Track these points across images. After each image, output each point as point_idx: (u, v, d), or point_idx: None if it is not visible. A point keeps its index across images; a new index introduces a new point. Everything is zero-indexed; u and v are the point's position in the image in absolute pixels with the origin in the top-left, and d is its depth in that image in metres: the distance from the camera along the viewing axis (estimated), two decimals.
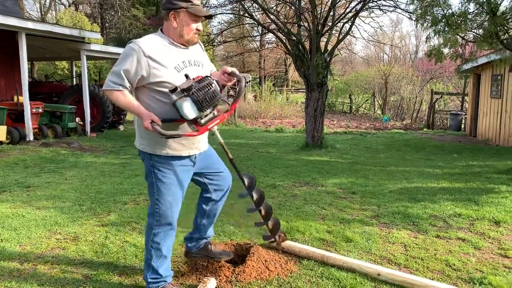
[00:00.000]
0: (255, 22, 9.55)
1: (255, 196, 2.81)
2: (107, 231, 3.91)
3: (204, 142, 2.72)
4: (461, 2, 5.74)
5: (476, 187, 5.81)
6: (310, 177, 6.54)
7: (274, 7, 9.87)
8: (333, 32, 9.85)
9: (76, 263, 3.22)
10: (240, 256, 3.26)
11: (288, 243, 3.51)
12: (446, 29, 5.67)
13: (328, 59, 9.47)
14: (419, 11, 5.85)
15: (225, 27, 13.99)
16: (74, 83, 14.13)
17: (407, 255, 3.50)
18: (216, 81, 2.39)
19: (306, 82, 9.52)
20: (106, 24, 41.41)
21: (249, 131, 14.63)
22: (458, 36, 6.03)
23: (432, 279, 3.01)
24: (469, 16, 5.82)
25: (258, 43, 35.37)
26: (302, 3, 9.53)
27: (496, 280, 2.97)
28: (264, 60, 42.83)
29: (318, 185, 6.01)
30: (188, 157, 2.59)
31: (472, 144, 11.34)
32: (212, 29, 28.35)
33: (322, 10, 9.56)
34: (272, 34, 9.68)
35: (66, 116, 10.96)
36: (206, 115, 2.40)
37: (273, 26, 9.61)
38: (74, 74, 15.26)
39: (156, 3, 37.18)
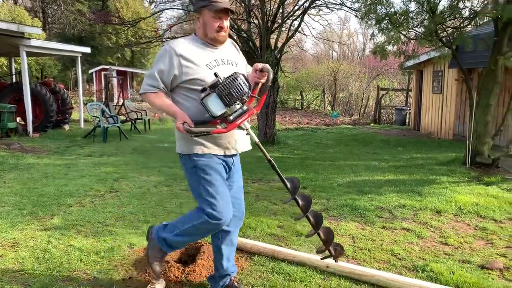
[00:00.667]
0: None
1: (300, 201, 2.50)
2: (49, 235, 3.72)
3: (243, 143, 2.58)
4: (403, 1, 6.00)
5: (419, 178, 6.07)
6: (262, 173, 6.57)
7: None
8: (283, 29, 9.91)
9: (15, 271, 3.04)
10: (190, 256, 3.21)
11: (239, 240, 3.50)
12: (389, 27, 5.89)
13: (278, 56, 9.54)
14: (364, 9, 6.03)
15: (174, 23, 13.66)
16: (14, 80, 13.36)
17: (355, 247, 3.59)
18: (243, 75, 2.29)
19: None
20: (49, 19, 39.59)
21: None
22: (401, 34, 6.28)
23: (379, 269, 3.11)
24: (411, 15, 6.08)
25: None
26: (252, 0, 9.52)
27: (437, 267, 3.11)
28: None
29: (270, 181, 6.05)
30: (224, 157, 2.51)
31: (416, 137, 11.86)
32: (161, 25, 27.84)
33: (272, 7, 9.59)
34: None
35: (5, 116, 10.35)
36: (235, 111, 2.28)
37: None
38: (13, 71, 14.43)
39: None
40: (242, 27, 9.38)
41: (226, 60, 2.48)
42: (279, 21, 9.53)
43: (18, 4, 36.72)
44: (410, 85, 16.83)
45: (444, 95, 11.50)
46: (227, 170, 2.57)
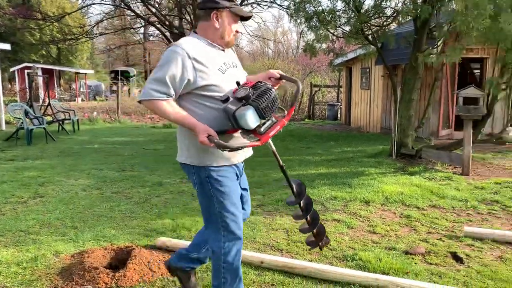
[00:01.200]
0: (134, 14, 9.15)
1: (303, 203, 2.44)
2: None
3: (248, 148, 2.35)
4: (330, 0, 6.18)
5: (350, 171, 6.32)
6: None
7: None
8: None
9: None
10: (121, 261, 3.10)
11: (174, 241, 3.44)
12: (318, 25, 6.07)
13: None
14: (293, 7, 6.14)
15: (103, 18, 13.13)
16: None
17: (288, 240, 3.66)
18: (271, 86, 2.16)
19: None
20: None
21: (134, 128, 14.06)
22: (329, 32, 6.49)
23: (311, 261, 3.19)
24: (338, 13, 6.30)
25: (142, 36, 34.02)
26: None
27: (365, 255, 3.25)
28: (149, 53, 41.46)
29: None
30: (236, 164, 2.34)
31: (347, 131, 12.33)
32: (90, 20, 26.60)
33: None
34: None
35: None
36: (264, 123, 2.14)
37: (154, 19, 9.30)
38: None
39: None
40: (173, 23, 9.20)
41: (231, 63, 2.31)
42: None
43: None
44: (341, 82, 17.48)
45: (372, 90, 12.06)
46: (238, 177, 2.40)
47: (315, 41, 6.39)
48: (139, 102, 2.17)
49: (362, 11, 6.24)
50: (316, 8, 5.89)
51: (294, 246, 3.53)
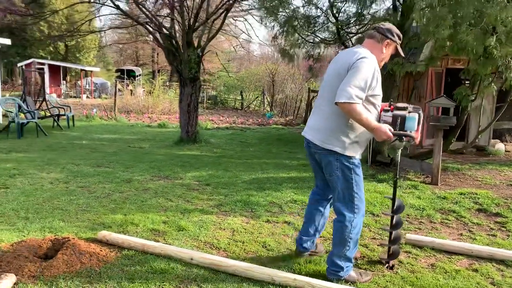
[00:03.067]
0: (122, 13, 9.29)
1: (394, 221, 3.17)
2: None
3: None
4: (303, 6, 6.20)
5: None
6: (172, 171, 6.58)
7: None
8: (212, 28, 9.95)
9: None
10: (56, 251, 3.18)
11: (114, 236, 3.52)
12: (290, 30, 6.12)
13: (200, 54, 9.58)
14: (264, 14, 6.18)
15: (93, 17, 13.32)
16: None
17: (231, 240, 3.72)
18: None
19: (179, 76, 9.54)
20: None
21: (129, 126, 14.20)
22: (302, 38, 6.54)
23: (244, 260, 3.24)
24: (311, 20, 6.34)
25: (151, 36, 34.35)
26: None
27: (296, 258, 3.30)
28: (158, 53, 41.77)
29: (176, 178, 6.07)
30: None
31: None
32: (99, 21, 26.89)
33: (193, 4, 9.61)
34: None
35: None
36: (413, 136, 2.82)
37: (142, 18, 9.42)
38: None
39: None
40: (164, 24, 9.31)
41: None
42: (202, 19, 9.57)
43: None
44: None
45: None
46: None
47: (288, 46, 6.45)
48: (337, 103, 2.68)
49: (339, 17, 6.29)
50: (288, 14, 5.95)
51: (234, 246, 3.58)
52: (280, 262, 3.26)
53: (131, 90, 26.68)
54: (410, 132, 2.82)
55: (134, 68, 34.30)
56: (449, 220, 4.46)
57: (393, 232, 3.24)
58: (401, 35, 3.00)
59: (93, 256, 3.13)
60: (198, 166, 7.02)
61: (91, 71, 31.45)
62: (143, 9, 9.14)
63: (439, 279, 3.05)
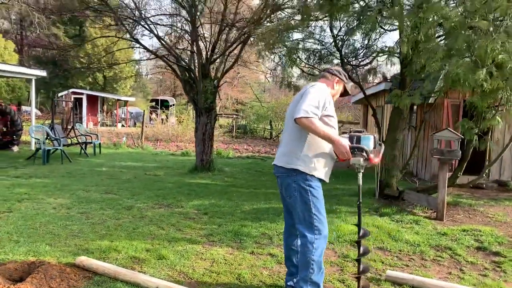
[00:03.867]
0: (142, 47, 9.72)
1: (361, 249, 3.21)
2: None
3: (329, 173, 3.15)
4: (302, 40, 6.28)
5: None
6: (176, 199, 6.67)
7: (165, 35, 10.10)
8: (225, 60, 10.22)
9: None
10: (29, 274, 3.28)
11: (91, 261, 3.60)
12: (288, 62, 6.20)
13: (217, 85, 9.82)
14: (263, 51, 6.26)
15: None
16: None
17: (207, 270, 3.71)
18: None
19: (195, 107, 9.78)
20: (25, 41, 39.67)
21: (153, 154, 14.55)
22: (302, 70, 6.60)
23: None
24: (308, 53, 6.39)
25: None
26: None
27: None
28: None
29: (177, 207, 6.15)
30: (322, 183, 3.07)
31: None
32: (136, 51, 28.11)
33: (211, 37, 9.93)
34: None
35: None
36: (370, 152, 2.97)
37: (164, 52, 9.80)
38: None
39: (80, 22, 36.31)
40: (181, 55, 9.66)
41: None
42: (219, 52, 9.85)
43: None
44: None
45: (384, 129, 11.87)
46: None
47: (285, 77, 6.52)
48: (295, 120, 2.83)
49: (342, 51, 6.32)
50: (281, 48, 6.03)
51: (207, 277, 3.57)
52: None
53: (162, 119, 27.50)
54: (361, 151, 2.96)
55: (168, 98, 35.36)
56: (442, 258, 4.27)
57: (361, 263, 3.17)
58: (347, 76, 3.38)
59: (64, 281, 3.21)
60: (203, 195, 7.08)
61: (127, 101, 32.68)
62: (163, 42, 9.54)
63: None
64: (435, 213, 5.88)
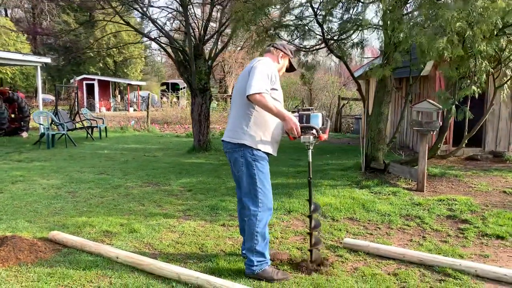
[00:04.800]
0: (134, 30, 9.80)
1: (313, 223, 3.30)
2: None
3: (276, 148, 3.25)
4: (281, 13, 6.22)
5: (304, 182, 6.33)
6: (165, 177, 6.86)
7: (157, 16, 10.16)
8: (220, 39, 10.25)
9: None
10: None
11: (62, 235, 3.80)
12: (267, 38, 6.20)
13: (211, 65, 9.89)
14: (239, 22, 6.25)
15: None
16: None
17: (173, 242, 3.88)
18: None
19: (190, 87, 9.89)
20: (39, 30, 40.23)
21: (158, 137, 14.80)
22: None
23: (169, 261, 3.39)
24: (292, 28, 6.37)
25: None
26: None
27: (222, 260, 3.40)
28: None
29: (164, 185, 6.33)
30: (269, 156, 3.17)
31: (356, 145, 12.11)
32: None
33: (203, 17, 9.96)
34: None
35: None
36: (321, 130, 3.09)
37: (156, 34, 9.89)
38: None
39: (89, 8, 36.50)
40: (174, 36, 9.73)
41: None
42: (212, 32, 9.89)
43: (7, 15, 37.52)
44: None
45: (397, 105, 11.80)
46: None
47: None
48: (248, 97, 2.87)
49: (324, 25, 6.29)
50: (263, 24, 6.01)
51: (171, 248, 3.74)
52: (203, 262, 3.38)
53: (172, 102, 27.74)
54: (310, 129, 3.07)
55: (178, 81, 35.49)
56: (409, 226, 4.34)
57: (313, 235, 3.28)
58: (293, 51, 3.48)
59: (33, 253, 3.42)
60: (194, 173, 7.25)
61: (139, 86, 33.03)
62: (158, 25, 9.62)
63: (349, 282, 3.03)
64: (417, 184, 5.92)
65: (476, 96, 5.24)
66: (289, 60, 3.38)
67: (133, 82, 31.79)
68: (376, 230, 4.27)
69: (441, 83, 8.48)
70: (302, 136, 3.05)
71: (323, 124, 3.16)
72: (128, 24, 9.34)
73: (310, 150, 3.20)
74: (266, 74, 2.95)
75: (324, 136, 3.12)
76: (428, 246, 3.77)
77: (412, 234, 4.15)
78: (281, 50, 3.31)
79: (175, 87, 34.23)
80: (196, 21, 9.79)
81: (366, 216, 4.65)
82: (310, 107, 3.38)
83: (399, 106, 10.35)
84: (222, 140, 3.24)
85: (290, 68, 3.44)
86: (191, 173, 7.28)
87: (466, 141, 6.02)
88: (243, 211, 3.37)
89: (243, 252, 3.45)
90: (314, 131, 3.06)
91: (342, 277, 3.13)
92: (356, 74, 12.73)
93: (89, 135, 13.28)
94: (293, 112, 3.18)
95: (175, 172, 7.34)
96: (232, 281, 2.97)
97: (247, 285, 2.95)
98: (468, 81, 5.12)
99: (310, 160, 3.26)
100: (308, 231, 3.32)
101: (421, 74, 8.05)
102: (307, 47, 6.80)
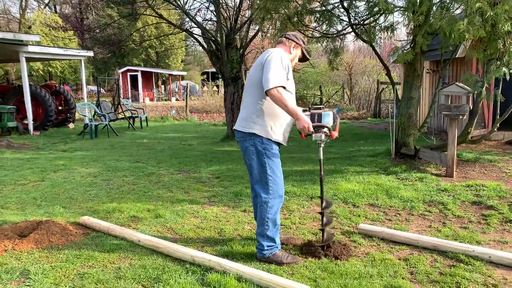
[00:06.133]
0: (167, 22, 10.04)
1: (325, 219, 3.39)
2: None
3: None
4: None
5: (332, 169, 6.33)
6: (196, 165, 7.09)
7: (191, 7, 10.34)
8: (251, 28, 10.32)
9: None
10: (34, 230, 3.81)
11: (92, 220, 4.08)
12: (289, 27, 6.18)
13: (242, 54, 9.99)
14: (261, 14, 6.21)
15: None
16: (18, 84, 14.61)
17: (194, 226, 4.06)
18: None
19: (222, 76, 10.05)
20: (78, 25, 41.81)
21: (196, 125, 15.16)
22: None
23: (187, 244, 3.57)
24: (317, 15, 6.29)
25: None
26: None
27: (236, 245, 3.54)
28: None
29: (194, 172, 6.56)
30: (280, 146, 3.28)
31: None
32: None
33: (234, 6, 10.04)
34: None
35: (5, 116, 11.49)
36: (331, 128, 3.19)
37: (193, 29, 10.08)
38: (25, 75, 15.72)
39: (132, 1, 37.53)
40: (206, 26, 9.90)
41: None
42: (243, 20, 9.96)
43: (57, 11, 39.27)
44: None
45: (422, 87, 11.44)
46: None
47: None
48: (266, 92, 2.97)
49: (350, 11, 6.19)
50: (286, 11, 5.97)
51: (192, 232, 3.92)
52: (219, 246, 3.53)
53: (212, 91, 28.15)
54: (321, 127, 3.13)
55: None
56: (430, 213, 4.29)
57: (325, 232, 3.36)
58: (305, 41, 3.46)
59: (64, 236, 3.71)
60: (224, 161, 7.43)
61: (180, 76, 33.72)
62: (190, 16, 9.82)
63: (357, 266, 3.08)
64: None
65: (507, 78, 5.02)
66: (302, 50, 3.41)
67: (174, 72, 32.49)
68: (395, 216, 4.26)
69: (478, 66, 8.13)
70: (314, 135, 3.12)
71: (334, 122, 3.23)
72: (160, 16, 9.60)
73: (321, 147, 3.27)
74: (281, 67, 3.04)
75: (335, 134, 3.20)
76: (446, 232, 3.72)
77: (432, 220, 4.10)
78: (293, 41, 3.36)
79: (215, 76, 34.69)
80: (227, 10, 9.88)
81: (388, 202, 4.63)
82: (321, 105, 3.43)
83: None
84: (234, 129, 3.35)
85: (303, 58, 3.47)
86: (221, 161, 7.46)
87: (498, 125, 5.78)
88: (256, 198, 3.47)
89: None
90: (326, 129, 3.13)
91: (351, 261, 3.18)
92: (392, 59, 12.41)
93: (130, 125, 13.83)
94: (304, 111, 3.22)
95: (206, 160, 7.56)
96: (244, 263, 3.10)
97: (258, 268, 3.06)
98: (498, 62, 4.92)
99: (321, 158, 3.35)
100: (321, 227, 3.39)
101: (457, 56, 7.77)
102: (333, 33, 6.72)
